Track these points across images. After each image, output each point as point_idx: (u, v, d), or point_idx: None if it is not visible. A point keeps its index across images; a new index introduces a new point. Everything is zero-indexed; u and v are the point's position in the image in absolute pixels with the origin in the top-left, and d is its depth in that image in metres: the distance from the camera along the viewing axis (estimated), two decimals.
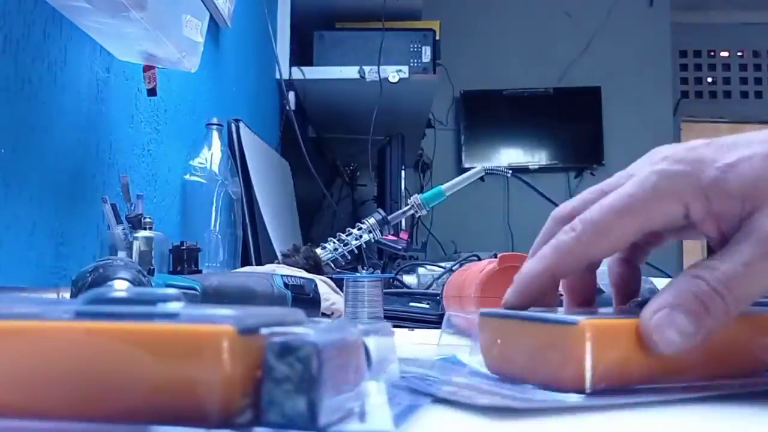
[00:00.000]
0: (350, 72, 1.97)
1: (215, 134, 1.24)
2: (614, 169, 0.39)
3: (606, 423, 0.28)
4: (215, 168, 1.21)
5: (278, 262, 1.08)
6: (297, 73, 2.01)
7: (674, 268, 2.88)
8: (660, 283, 0.50)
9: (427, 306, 0.89)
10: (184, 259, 0.97)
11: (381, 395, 0.28)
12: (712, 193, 0.34)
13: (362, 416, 0.25)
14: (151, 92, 0.90)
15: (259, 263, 1.31)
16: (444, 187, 1.18)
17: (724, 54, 4.16)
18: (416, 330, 0.74)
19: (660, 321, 0.32)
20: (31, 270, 0.75)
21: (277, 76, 1.96)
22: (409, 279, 1.26)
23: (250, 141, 1.48)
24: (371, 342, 0.28)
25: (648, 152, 0.38)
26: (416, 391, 0.31)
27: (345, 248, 1.17)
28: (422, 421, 0.27)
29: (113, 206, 0.85)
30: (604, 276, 0.42)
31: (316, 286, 0.75)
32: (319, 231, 2.42)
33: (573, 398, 0.30)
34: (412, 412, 0.27)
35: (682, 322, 0.32)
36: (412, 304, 0.91)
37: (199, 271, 0.98)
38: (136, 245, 0.84)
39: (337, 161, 2.73)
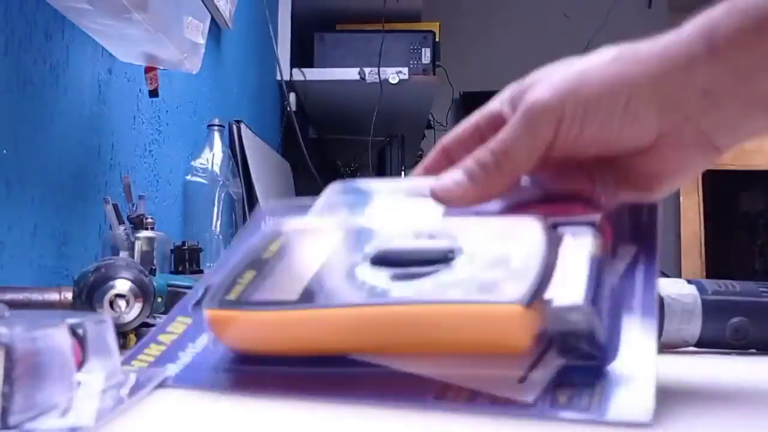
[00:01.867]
0: (351, 73, 1.98)
1: (216, 135, 1.24)
2: None
3: None
4: (216, 169, 1.21)
5: None
6: (298, 75, 2.01)
7: (671, 267, 2.88)
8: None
9: None
10: (186, 260, 0.97)
11: (96, 388, 0.28)
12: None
13: (65, 411, 0.25)
14: (153, 93, 0.90)
15: None
16: None
17: None
18: None
19: (441, 178, 0.38)
20: (33, 270, 0.75)
21: (278, 77, 1.96)
22: None
23: (251, 142, 1.48)
24: (89, 334, 0.29)
25: None
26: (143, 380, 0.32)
27: None
28: (131, 412, 0.27)
29: (115, 206, 0.85)
30: None
31: None
32: None
33: None
34: (122, 404, 0.27)
35: (458, 175, 0.38)
36: None
37: (201, 272, 0.98)
38: (138, 245, 0.85)
39: (338, 162, 2.73)
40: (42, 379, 0.24)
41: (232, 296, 0.33)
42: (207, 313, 0.32)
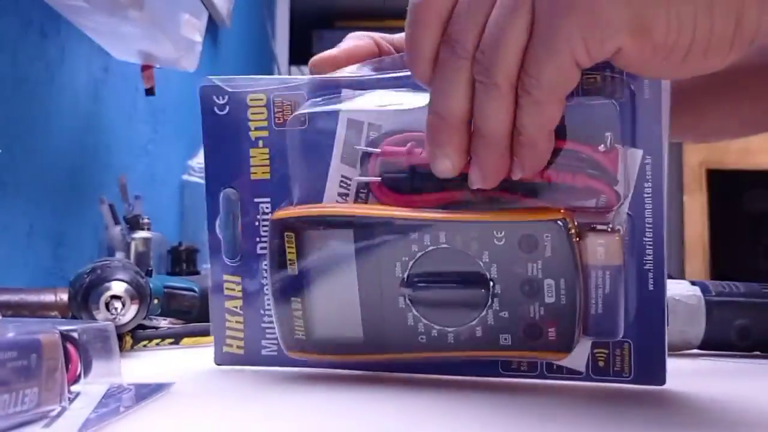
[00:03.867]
0: (349, 72, 1.97)
1: None
2: None
3: None
4: None
5: None
6: (296, 72, 2.00)
7: (675, 268, 2.88)
8: None
9: None
10: (183, 260, 0.97)
11: (91, 398, 0.27)
12: None
13: (52, 421, 0.24)
14: (149, 92, 0.90)
15: None
16: None
17: None
18: None
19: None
20: (29, 271, 0.74)
21: (276, 74, 1.96)
22: None
23: None
24: (89, 342, 0.28)
25: None
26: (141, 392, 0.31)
27: None
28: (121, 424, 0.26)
29: (111, 207, 0.85)
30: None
31: None
32: None
33: None
34: (114, 416, 0.26)
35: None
36: None
37: (197, 272, 0.98)
38: (134, 246, 0.84)
39: None
40: (27, 386, 0.23)
41: (300, 334, 0.35)
42: (290, 353, 0.36)
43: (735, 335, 0.50)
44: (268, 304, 0.37)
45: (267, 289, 0.37)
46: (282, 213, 0.35)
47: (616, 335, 0.33)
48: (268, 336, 0.37)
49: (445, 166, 0.31)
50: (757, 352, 0.52)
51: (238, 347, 0.38)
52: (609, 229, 0.32)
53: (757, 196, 2.72)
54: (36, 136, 0.77)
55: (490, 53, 0.29)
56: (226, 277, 0.38)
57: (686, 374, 0.42)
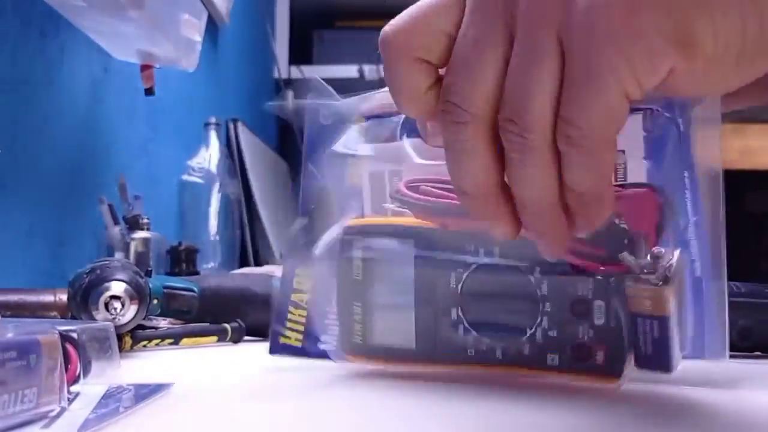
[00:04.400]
0: (350, 71, 1.96)
1: (213, 134, 1.24)
2: None
3: None
4: (213, 168, 1.20)
5: (276, 264, 1.07)
6: (296, 72, 2.00)
7: None
8: None
9: None
10: (182, 260, 0.96)
11: (90, 398, 0.27)
12: None
13: (52, 421, 0.24)
14: (149, 92, 0.89)
15: (258, 264, 1.31)
16: None
17: None
18: None
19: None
20: (28, 271, 0.74)
21: (276, 75, 1.95)
22: None
23: (248, 141, 1.47)
24: (88, 342, 0.28)
25: None
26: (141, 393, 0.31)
27: None
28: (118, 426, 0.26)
29: (110, 207, 0.84)
30: None
31: None
32: None
33: None
34: (114, 416, 0.26)
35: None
36: None
37: (197, 273, 0.98)
38: (134, 246, 0.84)
39: None
40: (22, 388, 0.23)
41: (358, 338, 0.37)
42: (347, 356, 0.38)
43: (736, 336, 0.50)
44: (334, 303, 0.39)
45: (335, 289, 0.39)
46: (355, 221, 0.38)
47: (670, 370, 0.31)
48: (328, 332, 0.39)
49: (502, 233, 0.29)
50: (758, 353, 0.52)
51: (296, 340, 0.40)
52: (656, 283, 0.30)
53: (758, 197, 2.72)
54: (35, 136, 0.77)
55: (519, 113, 0.25)
56: (297, 271, 0.41)
57: (685, 374, 0.42)
